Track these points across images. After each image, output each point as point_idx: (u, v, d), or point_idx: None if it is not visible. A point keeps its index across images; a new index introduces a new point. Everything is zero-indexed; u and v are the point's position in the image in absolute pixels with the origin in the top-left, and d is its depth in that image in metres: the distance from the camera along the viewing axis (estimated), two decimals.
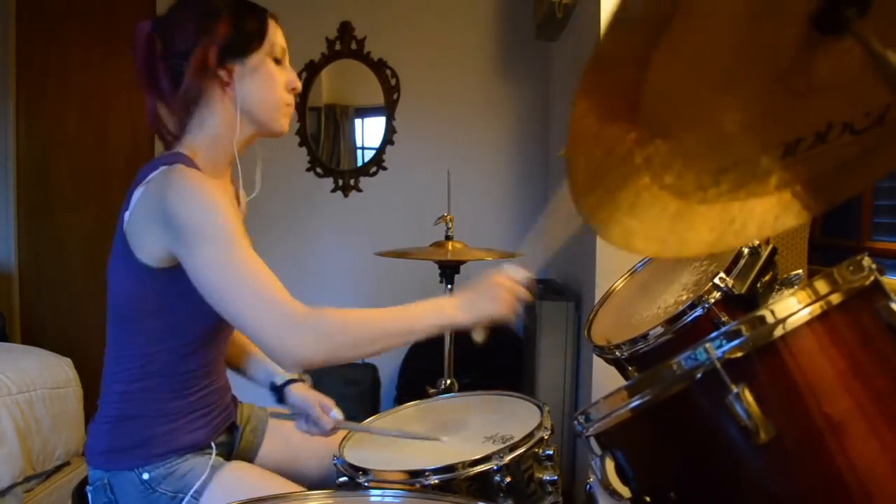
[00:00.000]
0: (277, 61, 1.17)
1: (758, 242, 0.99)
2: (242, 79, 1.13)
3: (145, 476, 1.09)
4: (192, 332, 1.13)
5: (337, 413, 1.23)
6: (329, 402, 1.25)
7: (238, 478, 1.13)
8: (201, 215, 1.01)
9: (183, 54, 1.10)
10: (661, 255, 0.92)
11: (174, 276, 1.05)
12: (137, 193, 1.07)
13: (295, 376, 1.32)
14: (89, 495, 1.12)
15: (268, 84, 1.15)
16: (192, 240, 1.00)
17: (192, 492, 1.08)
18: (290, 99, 1.19)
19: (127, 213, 1.08)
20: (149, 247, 1.05)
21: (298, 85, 1.20)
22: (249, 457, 1.30)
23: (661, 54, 0.69)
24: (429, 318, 1.02)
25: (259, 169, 1.25)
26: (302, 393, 1.28)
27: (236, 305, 0.99)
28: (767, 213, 0.87)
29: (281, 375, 1.32)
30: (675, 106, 0.78)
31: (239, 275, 0.99)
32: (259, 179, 1.25)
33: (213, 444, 1.17)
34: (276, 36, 1.17)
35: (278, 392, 1.30)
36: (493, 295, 1.03)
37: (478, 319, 1.03)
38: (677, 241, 0.85)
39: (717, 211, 0.85)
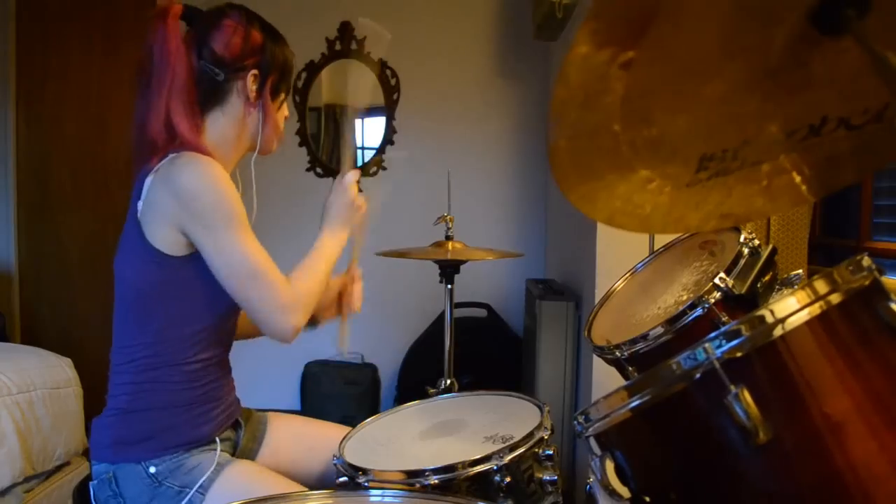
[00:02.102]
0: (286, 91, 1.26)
1: (758, 242, 0.99)
2: (262, 105, 1.20)
3: (152, 469, 1.09)
4: (204, 320, 1.14)
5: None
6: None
7: (243, 475, 1.14)
8: (218, 197, 1.06)
9: (219, 62, 1.15)
10: (645, 231, 0.93)
11: (188, 263, 1.09)
12: (148, 181, 1.09)
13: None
14: (92, 490, 1.12)
15: (280, 115, 1.25)
16: (211, 221, 1.06)
17: (197, 486, 1.08)
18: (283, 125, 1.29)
19: (140, 202, 1.10)
20: (163, 232, 1.08)
21: (287, 112, 1.30)
22: (250, 457, 1.30)
23: (646, 44, 0.70)
24: (337, 251, 1.24)
25: (254, 193, 1.31)
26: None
27: (249, 289, 1.09)
28: (756, 198, 0.87)
29: None
30: (660, 92, 0.78)
31: (252, 260, 1.08)
32: (255, 206, 1.30)
33: (217, 440, 1.18)
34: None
35: None
36: (351, 208, 1.27)
37: (350, 229, 1.27)
38: (662, 218, 0.85)
39: (703, 194, 0.85)
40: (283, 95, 1.26)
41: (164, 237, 1.08)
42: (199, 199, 1.05)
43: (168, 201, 1.06)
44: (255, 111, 1.20)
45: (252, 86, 1.18)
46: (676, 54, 0.75)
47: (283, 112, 1.28)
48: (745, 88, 0.80)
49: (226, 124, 1.19)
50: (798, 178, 0.87)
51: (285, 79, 1.25)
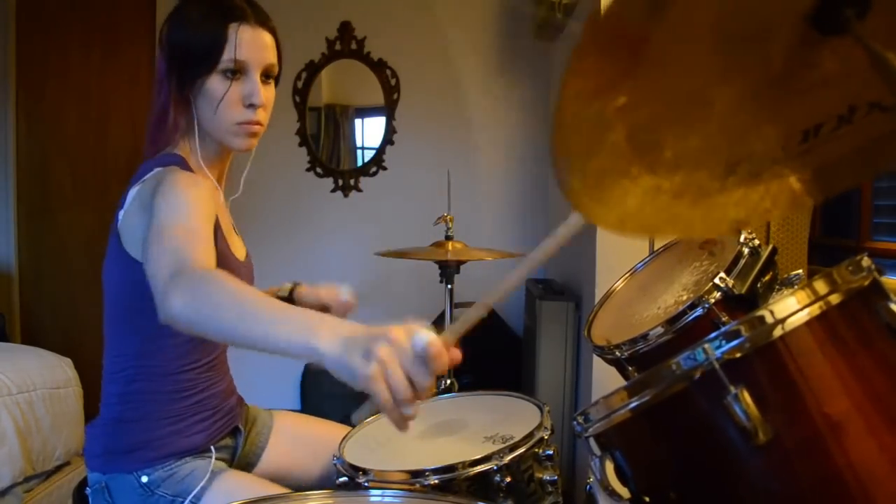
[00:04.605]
0: (232, 73, 1.09)
1: (758, 242, 0.99)
2: (196, 99, 1.11)
3: (144, 479, 1.08)
4: None
5: (345, 293, 1.28)
6: (333, 290, 1.30)
7: (237, 484, 1.13)
8: (173, 202, 0.98)
9: (158, 68, 1.13)
10: (690, 234, 0.92)
11: None
12: (132, 192, 1.08)
13: (290, 286, 1.35)
14: (89, 497, 1.12)
15: (212, 105, 1.09)
16: (154, 217, 0.96)
17: (191, 496, 1.07)
18: (248, 115, 1.10)
19: (121, 212, 1.08)
20: (140, 243, 1.04)
21: (257, 99, 1.09)
22: (252, 460, 1.30)
23: (634, 88, 0.70)
24: (292, 332, 0.74)
25: (246, 171, 1.25)
26: (309, 293, 1.32)
27: (148, 258, 0.89)
28: (793, 191, 0.85)
29: (283, 288, 1.34)
30: (664, 123, 0.78)
31: (166, 233, 0.91)
32: (243, 182, 1.25)
33: (212, 448, 1.17)
34: (237, 47, 1.07)
35: (289, 301, 1.31)
36: (368, 351, 0.68)
37: (341, 368, 0.70)
38: (702, 224, 0.85)
39: (739, 195, 0.84)
40: (216, 77, 1.08)
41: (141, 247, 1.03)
42: (156, 208, 0.98)
43: (144, 213, 1.02)
44: (192, 107, 1.12)
45: (172, 86, 1.12)
46: (669, 89, 0.75)
47: (238, 90, 1.09)
48: (754, 100, 0.79)
49: (188, 124, 1.15)
50: (836, 167, 0.85)
51: (199, 61, 1.08)
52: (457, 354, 0.74)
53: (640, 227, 0.86)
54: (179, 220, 0.94)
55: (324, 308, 1.29)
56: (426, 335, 0.71)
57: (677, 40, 0.71)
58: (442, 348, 0.70)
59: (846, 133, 0.79)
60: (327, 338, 0.72)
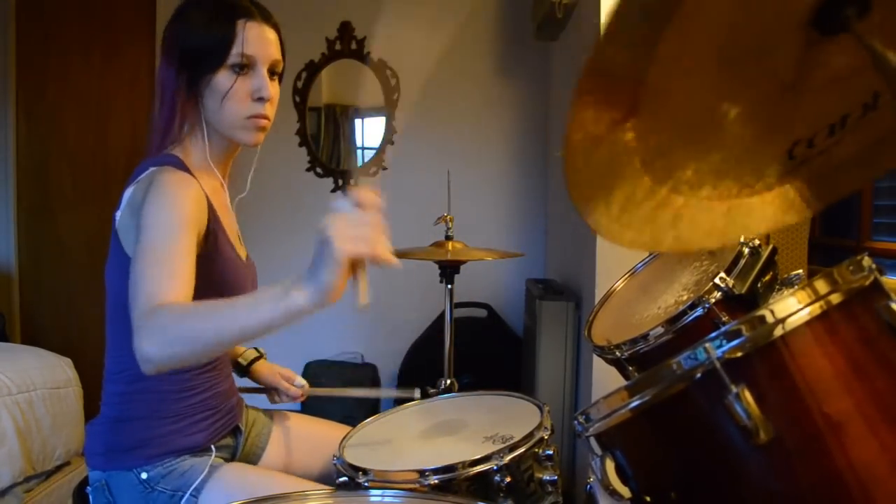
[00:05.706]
0: (240, 68, 1.10)
1: (758, 242, 0.99)
2: (204, 96, 1.12)
3: (144, 476, 1.09)
4: None
5: (301, 381, 1.41)
6: (290, 373, 1.42)
7: (237, 476, 1.14)
8: (158, 212, 0.99)
9: (161, 70, 1.14)
10: (724, 243, 0.92)
11: None
12: (128, 193, 1.09)
13: (255, 354, 1.42)
14: (90, 495, 1.12)
15: (221, 100, 1.11)
16: (140, 230, 0.97)
17: (191, 489, 1.08)
18: (256, 109, 1.12)
19: (118, 212, 1.09)
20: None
21: (266, 93, 1.11)
22: (252, 460, 1.30)
23: (638, 123, 0.70)
24: (270, 311, 0.78)
25: (252, 170, 1.26)
26: (266, 370, 1.42)
27: (130, 293, 0.90)
28: (822, 183, 0.85)
29: (244, 356, 1.41)
30: (678, 147, 0.78)
31: (145, 265, 0.92)
32: (249, 181, 1.26)
33: (212, 448, 1.17)
34: (244, 42, 1.09)
35: (244, 371, 1.40)
36: (328, 255, 0.76)
37: (323, 295, 0.77)
38: (738, 228, 0.85)
39: (772, 196, 0.84)
40: (224, 72, 1.10)
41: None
42: (145, 213, 0.99)
43: (136, 214, 1.02)
44: (199, 104, 1.13)
45: (180, 86, 1.12)
46: (677, 116, 0.75)
47: (246, 84, 1.11)
48: (769, 107, 0.79)
49: (193, 122, 1.15)
50: (864, 153, 0.84)
51: (210, 57, 1.09)
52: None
53: (677, 243, 0.86)
54: (160, 240, 0.95)
55: (272, 388, 1.42)
56: (344, 198, 0.81)
57: (675, 71, 0.72)
58: (362, 194, 0.82)
59: (872, 120, 0.78)
60: (297, 291, 0.77)
